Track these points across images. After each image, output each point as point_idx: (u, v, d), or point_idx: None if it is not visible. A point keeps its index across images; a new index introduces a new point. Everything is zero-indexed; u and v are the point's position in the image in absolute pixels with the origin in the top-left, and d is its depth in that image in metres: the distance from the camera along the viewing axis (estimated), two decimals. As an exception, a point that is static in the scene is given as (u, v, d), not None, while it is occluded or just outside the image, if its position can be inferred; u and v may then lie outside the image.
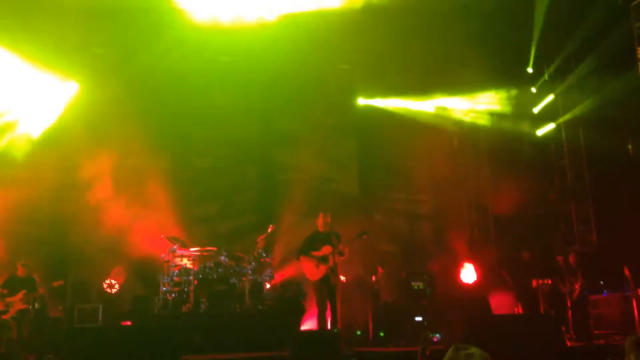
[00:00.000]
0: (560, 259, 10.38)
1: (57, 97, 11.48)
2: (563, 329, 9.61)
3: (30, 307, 8.96)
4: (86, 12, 10.34)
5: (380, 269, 11.06)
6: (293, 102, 12.48)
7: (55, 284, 9.70)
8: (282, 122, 12.89)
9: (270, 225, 10.50)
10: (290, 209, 11.68)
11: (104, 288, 11.06)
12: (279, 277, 10.75)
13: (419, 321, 9.99)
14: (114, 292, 11.08)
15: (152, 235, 10.92)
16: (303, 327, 9.78)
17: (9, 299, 8.82)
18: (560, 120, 12.78)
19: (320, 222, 8.61)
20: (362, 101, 13.08)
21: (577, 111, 12.20)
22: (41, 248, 10.83)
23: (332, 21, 10.49)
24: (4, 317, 8.52)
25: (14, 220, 10.83)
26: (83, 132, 11.19)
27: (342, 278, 10.13)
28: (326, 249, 8.36)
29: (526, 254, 11.03)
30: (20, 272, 9.22)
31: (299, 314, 9.77)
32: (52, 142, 11.35)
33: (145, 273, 11.14)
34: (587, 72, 11.64)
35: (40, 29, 10.17)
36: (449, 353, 2.49)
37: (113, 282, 11.10)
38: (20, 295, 8.86)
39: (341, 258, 8.39)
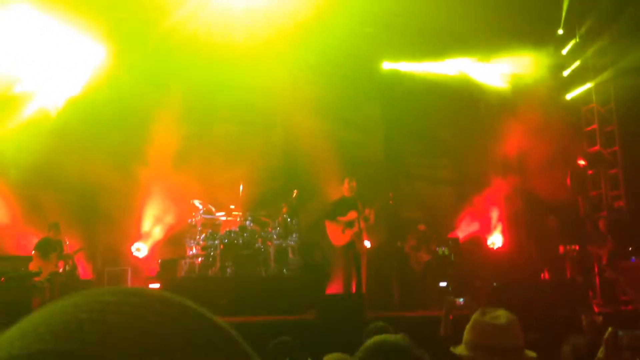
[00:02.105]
0: (589, 224, 10.25)
1: (84, 64, 11.49)
2: (591, 294, 9.56)
3: (62, 269, 9.14)
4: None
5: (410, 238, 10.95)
6: (317, 67, 12.34)
7: (84, 247, 9.89)
8: (306, 87, 12.78)
9: (295, 191, 10.53)
10: (315, 175, 11.67)
11: (131, 251, 11.26)
12: (304, 242, 10.81)
13: (443, 287, 10.00)
14: (142, 256, 11.28)
15: (179, 200, 11.04)
16: (328, 292, 9.86)
17: (42, 261, 9.01)
18: (591, 83, 12.47)
19: (346, 187, 8.59)
20: (386, 65, 12.88)
21: (609, 74, 11.88)
22: (71, 212, 11.00)
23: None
24: (37, 279, 8.72)
25: (44, 186, 11.02)
26: (108, 99, 11.24)
27: (368, 243, 10.15)
28: (352, 214, 8.36)
29: (552, 220, 10.90)
30: (52, 234, 9.41)
31: (324, 279, 9.85)
32: (79, 109, 11.43)
33: (172, 237, 11.29)
34: (619, 33, 11.29)
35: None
36: (475, 316, 2.45)
37: (140, 246, 11.29)
38: (52, 257, 9.05)
39: (367, 223, 8.38)
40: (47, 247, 9.18)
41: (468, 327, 2.43)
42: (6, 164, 10.84)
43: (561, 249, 10.50)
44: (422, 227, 9.96)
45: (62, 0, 10.26)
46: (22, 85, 11.09)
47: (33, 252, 9.14)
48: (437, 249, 10.33)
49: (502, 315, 2.38)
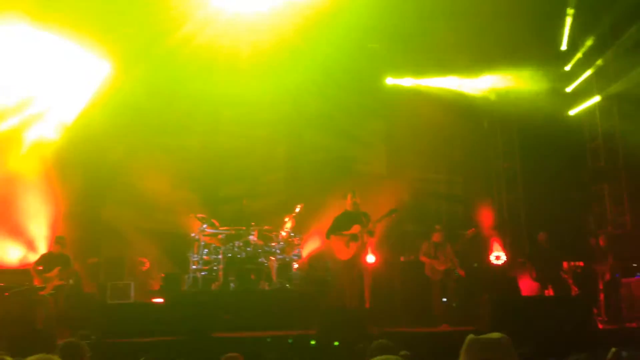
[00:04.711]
0: (592, 240, 10.22)
1: (89, 79, 11.58)
2: (595, 311, 9.51)
3: (65, 283, 9.16)
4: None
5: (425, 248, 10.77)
6: (321, 83, 12.41)
7: (89, 261, 9.92)
8: (311, 102, 12.86)
9: (298, 205, 10.54)
10: (318, 189, 11.70)
11: (135, 265, 11.26)
12: (306, 256, 10.82)
13: (444, 302, 9.94)
14: (145, 270, 11.28)
15: (182, 213, 11.07)
16: (331, 307, 9.83)
17: (46, 275, 9.03)
18: (594, 99, 12.49)
19: (349, 202, 8.62)
20: (390, 81, 12.95)
21: (612, 90, 11.91)
22: (75, 226, 11.03)
23: (360, 0, 10.36)
24: (42, 293, 8.73)
25: (49, 199, 11.07)
26: (114, 113, 11.31)
27: (372, 258, 10.15)
28: (356, 228, 8.37)
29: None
30: (56, 248, 9.44)
31: (326, 293, 9.84)
32: (84, 123, 11.51)
33: (175, 251, 11.31)
34: (622, 50, 11.34)
35: (74, 6, 10.24)
36: (469, 337, 2.52)
37: (144, 260, 11.30)
38: (56, 271, 9.07)
39: (371, 238, 8.40)
40: (52, 261, 9.21)
41: (463, 348, 2.48)
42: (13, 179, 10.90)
43: (565, 265, 10.46)
44: (436, 237, 9.94)
45: (67, 18, 10.36)
46: (30, 102, 11.20)
47: (37, 265, 9.17)
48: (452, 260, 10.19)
49: (495, 334, 2.45)
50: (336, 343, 7.59)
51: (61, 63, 11.16)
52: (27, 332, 7.16)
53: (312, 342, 7.60)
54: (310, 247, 11.18)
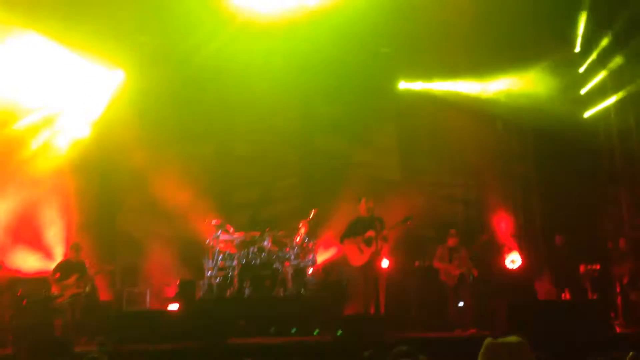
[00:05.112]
0: (610, 243, 10.13)
1: (104, 87, 11.70)
2: (612, 315, 9.41)
3: (82, 290, 9.23)
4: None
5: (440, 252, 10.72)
6: (333, 88, 12.42)
7: (106, 268, 10.00)
8: (323, 107, 12.89)
9: (312, 211, 10.55)
10: (331, 195, 11.70)
11: (150, 272, 11.33)
12: (321, 262, 10.82)
13: (461, 306, 9.88)
14: (159, 277, 11.32)
15: (197, 220, 11.12)
16: (346, 313, 9.82)
17: (63, 283, 9.11)
18: (609, 101, 12.38)
19: (363, 207, 8.62)
20: (403, 85, 12.93)
21: (627, 91, 11.81)
22: (91, 233, 11.13)
23: (371, 4, 10.37)
24: (59, 301, 8.81)
25: (65, 207, 11.18)
26: (129, 120, 11.41)
27: (386, 262, 10.13)
28: (370, 234, 8.36)
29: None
30: (72, 255, 9.52)
31: (341, 299, 9.83)
32: (99, 131, 11.62)
33: (190, 257, 11.35)
34: (637, 51, 11.25)
35: (86, 16, 10.36)
36: (487, 340, 2.53)
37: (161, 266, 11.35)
38: (73, 279, 9.15)
39: (384, 243, 8.38)
40: (69, 269, 9.29)
41: (481, 352, 2.49)
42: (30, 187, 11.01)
43: (582, 268, 10.37)
44: (451, 242, 9.90)
45: (81, 29, 10.49)
46: (44, 110, 11.32)
47: (55, 273, 9.25)
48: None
49: (512, 338, 2.47)
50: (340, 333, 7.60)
51: (76, 72, 11.28)
52: (46, 340, 7.23)
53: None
54: (324, 252, 11.18)
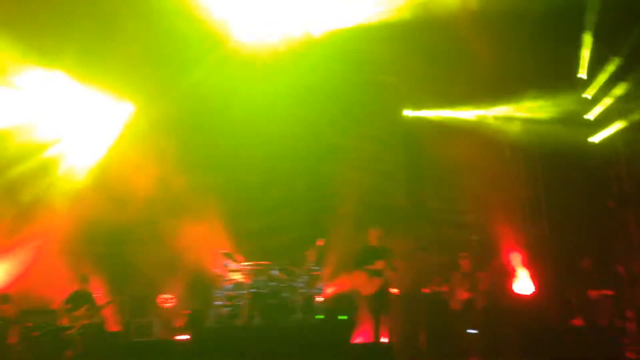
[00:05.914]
0: (621, 268, 10.04)
1: (114, 119, 11.85)
2: (627, 341, 9.28)
3: (92, 321, 9.21)
4: (136, 34, 10.70)
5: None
6: (340, 116, 12.52)
7: (113, 299, 9.98)
8: (330, 135, 12.95)
9: (320, 239, 10.54)
10: (339, 223, 11.69)
11: (159, 303, 11.29)
12: (330, 290, 10.77)
13: (470, 333, 9.78)
14: (169, 307, 11.29)
15: (205, 250, 11.12)
16: (355, 341, 9.75)
17: (73, 314, 9.10)
18: (616, 125, 12.40)
19: (373, 237, 8.61)
20: (408, 112, 13.01)
21: (634, 116, 11.83)
22: (100, 264, 11.14)
23: (377, 34, 10.51)
24: (69, 332, 8.79)
25: (74, 239, 11.22)
26: (138, 151, 11.51)
27: (395, 291, 10.07)
28: (379, 264, 8.35)
29: (586, 262, 10.62)
30: (82, 286, 9.53)
31: (350, 328, 9.76)
32: (106, 162, 11.72)
33: (199, 287, 11.33)
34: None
35: (94, 50, 10.56)
36: None
37: (168, 296, 11.32)
38: (83, 310, 9.14)
39: (394, 273, 8.36)
40: (79, 299, 9.30)
41: None
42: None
43: (595, 293, 10.26)
44: (464, 265, 9.83)
45: (94, 65, 10.70)
46: (58, 143, 11.48)
47: (65, 305, 9.25)
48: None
49: None
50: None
51: (84, 105, 11.46)
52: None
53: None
54: (333, 282, 11.13)
